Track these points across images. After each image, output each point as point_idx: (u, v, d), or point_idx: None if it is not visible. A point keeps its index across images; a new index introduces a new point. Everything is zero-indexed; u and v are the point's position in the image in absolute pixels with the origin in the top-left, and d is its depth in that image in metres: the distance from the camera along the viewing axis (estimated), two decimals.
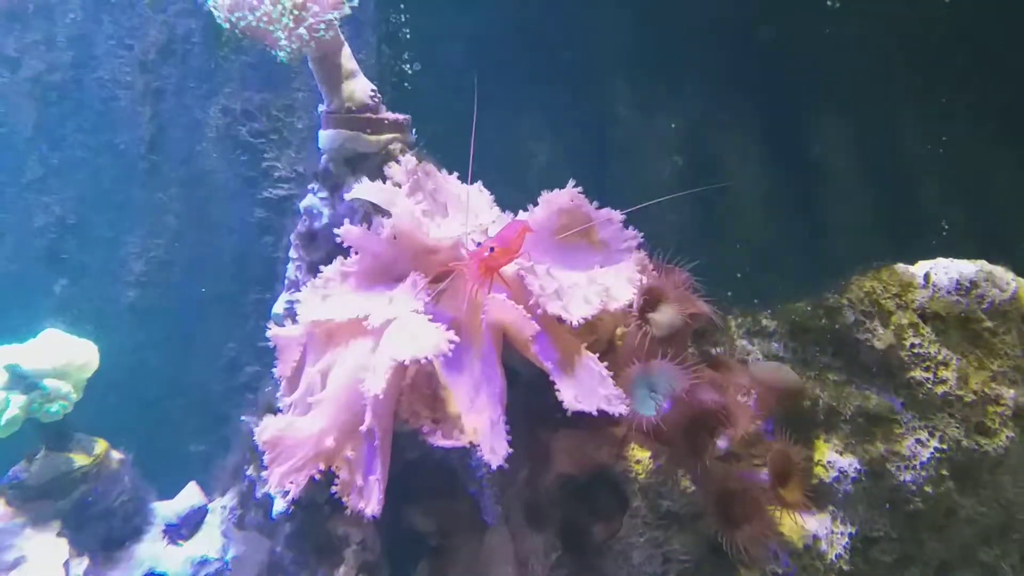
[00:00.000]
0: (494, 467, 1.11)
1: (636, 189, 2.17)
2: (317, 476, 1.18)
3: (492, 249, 1.23)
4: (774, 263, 2.18)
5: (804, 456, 1.32)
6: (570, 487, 1.28)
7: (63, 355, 1.38)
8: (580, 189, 1.36)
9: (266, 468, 1.18)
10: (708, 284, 1.41)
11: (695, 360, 1.35)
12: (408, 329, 1.18)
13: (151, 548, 1.42)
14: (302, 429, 1.20)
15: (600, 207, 1.38)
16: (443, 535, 1.36)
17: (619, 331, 1.44)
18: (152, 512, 1.47)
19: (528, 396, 1.34)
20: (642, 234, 1.39)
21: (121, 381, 1.87)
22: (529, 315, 1.20)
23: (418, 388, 1.22)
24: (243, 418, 1.41)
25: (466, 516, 1.37)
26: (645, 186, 2.23)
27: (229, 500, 1.43)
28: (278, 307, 1.53)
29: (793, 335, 1.46)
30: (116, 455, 1.46)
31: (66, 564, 1.32)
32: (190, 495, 1.51)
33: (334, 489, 1.18)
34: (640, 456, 1.26)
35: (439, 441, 1.14)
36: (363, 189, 1.37)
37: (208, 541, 1.45)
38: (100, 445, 1.45)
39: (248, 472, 1.39)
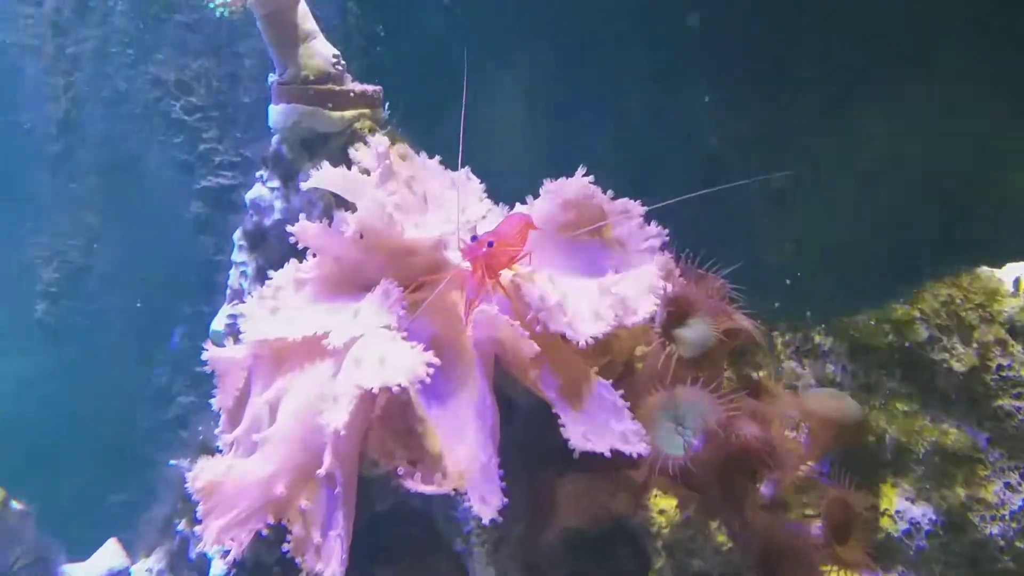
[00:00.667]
0: (485, 520, 1.11)
1: (661, 178, 2.18)
2: (264, 531, 1.17)
3: (491, 244, 1.23)
4: (831, 267, 2.19)
5: (867, 505, 1.32)
6: (578, 543, 1.28)
7: None
8: (592, 178, 1.37)
9: (201, 521, 1.17)
10: (749, 293, 1.42)
11: (732, 387, 1.35)
12: (377, 349, 1.18)
13: None
14: (246, 473, 1.20)
15: (615, 198, 1.39)
16: None
17: (639, 351, 1.45)
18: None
19: (527, 432, 1.34)
20: (667, 231, 1.39)
21: (25, 415, 1.87)
22: (527, 332, 1.20)
23: (390, 422, 1.22)
24: (173, 461, 1.41)
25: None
26: (672, 174, 2.23)
27: (156, 562, 1.43)
28: (218, 323, 1.53)
29: (853, 355, 1.47)
30: (17, 506, 1.46)
31: None
32: (109, 555, 1.51)
33: (286, 547, 1.17)
34: (664, 505, 1.26)
35: (417, 486, 1.14)
36: (323, 177, 1.37)
37: None
38: None
39: (179, 527, 1.39)
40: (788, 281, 2.14)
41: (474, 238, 1.27)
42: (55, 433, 2.15)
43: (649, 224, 1.41)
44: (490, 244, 1.23)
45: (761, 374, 1.47)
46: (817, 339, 1.51)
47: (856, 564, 1.24)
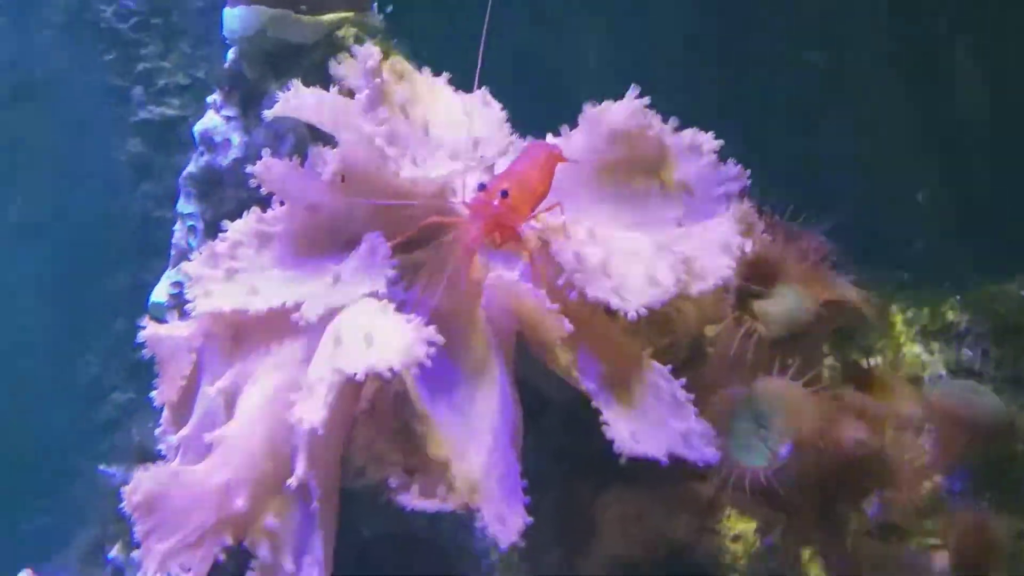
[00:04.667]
0: (503, 545, 1.14)
1: (745, 101, 2.18)
2: (221, 556, 1.21)
3: (504, 194, 1.25)
4: (973, 225, 2.19)
5: (1011, 531, 1.33)
6: None
7: None
8: (647, 100, 1.38)
9: (139, 545, 1.22)
10: (859, 257, 1.43)
11: (834, 378, 1.37)
12: (363, 324, 1.22)
13: None
14: (197, 483, 1.24)
15: (680, 128, 1.40)
16: None
17: (709, 331, 1.47)
18: None
19: (560, 434, 1.38)
20: (749, 173, 1.40)
21: None
22: (558, 304, 1.22)
23: (381, 418, 1.26)
24: (101, 468, 1.47)
25: None
26: (763, 95, 2.24)
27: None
28: (159, 293, 1.59)
29: (997, 337, 1.48)
30: None
31: None
32: None
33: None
34: (740, 529, 1.30)
35: (415, 502, 1.17)
36: (293, 101, 1.40)
37: None
38: None
39: (112, 554, 1.45)
40: (915, 243, 2.15)
41: (482, 186, 1.29)
42: None
43: (725, 164, 1.42)
44: (503, 195, 1.25)
45: (873, 361, 1.49)
46: (950, 316, 1.53)
47: None
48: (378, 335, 1.20)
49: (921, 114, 2.20)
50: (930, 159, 2.20)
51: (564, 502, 1.34)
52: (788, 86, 2.22)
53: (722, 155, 1.42)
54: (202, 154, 1.58)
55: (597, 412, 1.21)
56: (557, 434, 1.37)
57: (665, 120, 1.40)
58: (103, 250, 2.30)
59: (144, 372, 2.05)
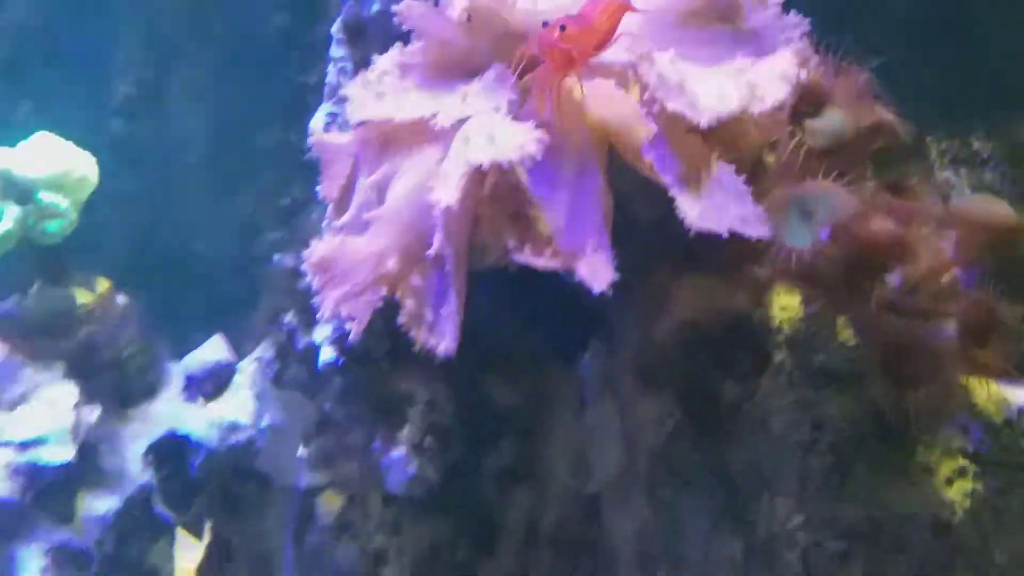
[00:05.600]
0: (595, 292, 1.43)
1: None
2: (379, 304, 1.53)
3: (563, 28, 1.47)
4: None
5: (1016, 316, 1.56)
6: (694, 340, 1.59)
7: (60, 162, 1.79)
8: None
9: (317, 294, 1.55)
10: (904, 97, 1.63)
11: (871, 185, 1.60)
12: (487, 128, 1.51)
13: (170, 407, 1.86)
14: (358, 249, 1.56)
15: None
16: (532, 408, 1.72)
17: (769, 158, 1.71)
18: (167, 370, 1.89)
19: (643, 232, 1.65)
20: (809, 20, 1.63)
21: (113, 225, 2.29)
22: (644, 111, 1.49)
23: (499, 204, 1.55)
24: (277, 256, 1.79)
25: (561, 386, 1.72)
26: None
27: (263, 353, 1.83)
28: (316, 121, 1.89)
29: (1016, 160, 1.67)
30: (122, 299, 1.89)
31: (76, 409, 1.76)
32: (214, 349, 1.94)
33: (400, 321, 1.53)
34: (787, 302, 1.56)
35: (526, 257, 1.47)
36: None
37: (237, 404, 1.87)
38: (102, 284, 1.87)
39: (286, 320, 1.78)
40: (950, 84, 2.30)
41: (545, 23, 1.53)
42: (140, 259, 2.57)
43: (788, 13, 1.66)
44: (562, 28, 1.48)
45: (909, 181, 1.71)
46: (976, 145, 1.72)
47: (993, 369, 1.50)
48: (499, 135, 1.49)
49: None
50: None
51: (643, 282, 1.61)
52: None
53: (785, 7, 1.66)
54: (351, 8, 1.87)
55: (673, 204, 1.50)
56: (639, 232, 1.64)
57: None
58: (257, 109, 2.60)
59: (288, 216, 2.41)
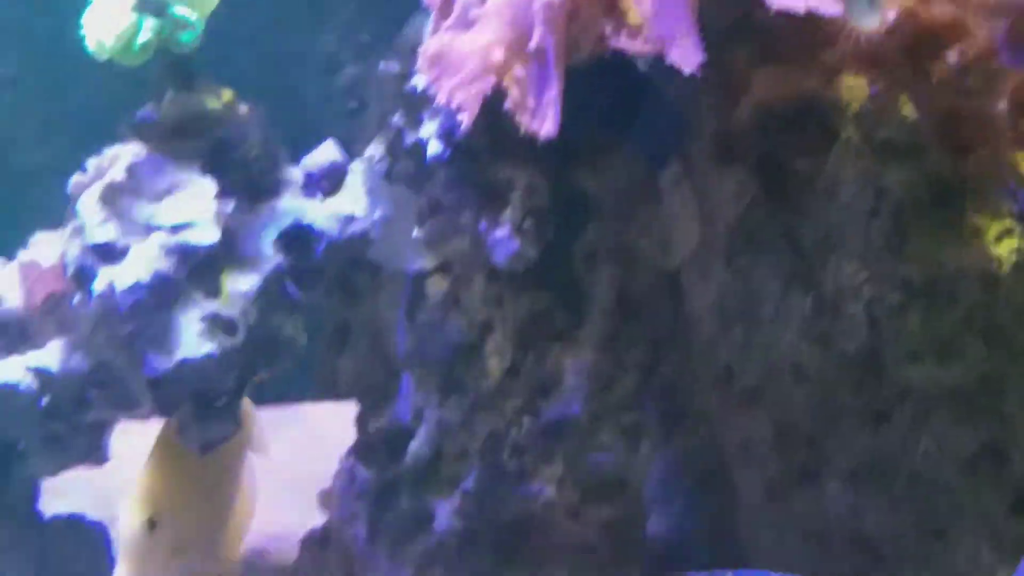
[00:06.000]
0: (687, 72, 1.61)
1: None
2: (488, 92, 1.71)
3: None
4: None
5: None
6: (769, 121, 1.76)
7: None
8: None
9: (432, 84, 1.73)
10: None
11: None
12: None
13: (293, 202, 2.07)
14: (466, 44, 1.73)
15: None
16: (617, 195, 1.91)
17: None
18: (287, 171, 2.11)
19: (721, 28, 1.81)
20: None
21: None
22: None
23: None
24: (382, 64, 1.97)
25: (644, 175, 1.91)
26: None
27: (374, 151, 2.03)
28: None
29: None
30: (244, 106, 2.08)
31: (216, 199, 1.97)
32: (328, 151, 2.14)
33: (507, 106, 1.71)
34: (854, 82, 1.71)
35: (622, 43, 1.64)
36: None
37: (351, 199, 2.09)
38: (227, 92, 2.07)
39: (395, 120, 1.97)
40: None
41: None
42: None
43: None
44: None
45: None
46: None
47: None
48: None
49: None
50: None
51: (723, 67, 1.78)
52: None
53: None
54: None
55: None
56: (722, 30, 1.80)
57: None
58: None
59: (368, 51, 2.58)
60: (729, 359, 1.88)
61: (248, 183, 2.04)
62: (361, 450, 2.14)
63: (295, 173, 2.11)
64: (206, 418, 2.00)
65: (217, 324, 1.93)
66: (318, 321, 2.12)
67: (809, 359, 1.77)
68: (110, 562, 2.30)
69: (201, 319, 1.94)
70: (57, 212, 2.16)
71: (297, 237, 2.05)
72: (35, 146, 3.16)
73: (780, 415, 1.85)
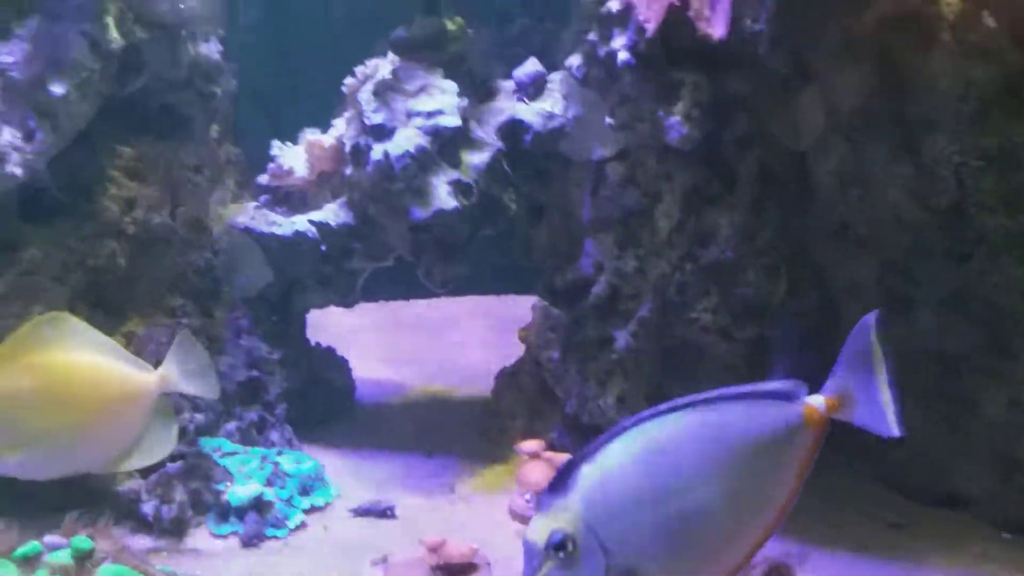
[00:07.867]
0: None
1: None
2: (674, 2, 2.25)
3: None
4: None
5: None
6: (886, 28, 2.27)
7: None
8: None
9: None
10: None
11: None
12: None
13: (508, 103, 2.67)
14: None
15: None
16: (758, 94, 2.43)
17: None
18: (501, 81, 2.71)
19: None
20: None
21: None
22: None
23: None
24: None
25: (779, 77, 2.43)
26: None
27: (573, 61, 2.58)
28: None
29: None
30: (470, 29, 2.67)
31: (457, 96, 2.57)
32: (532, 64, 2.73)
33: (689, 14, 2.25)
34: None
35: None
36: None
37: (552, 101, 2.67)
38: (458, 19, 2.66)
39: (590, 36, 2.51)
40: None
41: None
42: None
43: None
44: None
45: None
46: None
47: None
48: None
49: None
50: None
51: None
52: None
53: None
54: None
55: None
56: None
57: None
58: None
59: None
60: (844, 215, 2.40)
61: (474, 86, 2.63)
62: (551, 296, 2.70)
63: (507, 83, 2.71)
64: (447, 260, 2.61)
65: (459, 187, 2.54)
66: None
67: (909, 212, 2.29)
68: (352, 383, 2.94)
69: (448, 183, 2.53)
70: (318, 114, 2.80)
71: (512, 128, 2.65)
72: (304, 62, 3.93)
73: (884, 257, 2.37)
